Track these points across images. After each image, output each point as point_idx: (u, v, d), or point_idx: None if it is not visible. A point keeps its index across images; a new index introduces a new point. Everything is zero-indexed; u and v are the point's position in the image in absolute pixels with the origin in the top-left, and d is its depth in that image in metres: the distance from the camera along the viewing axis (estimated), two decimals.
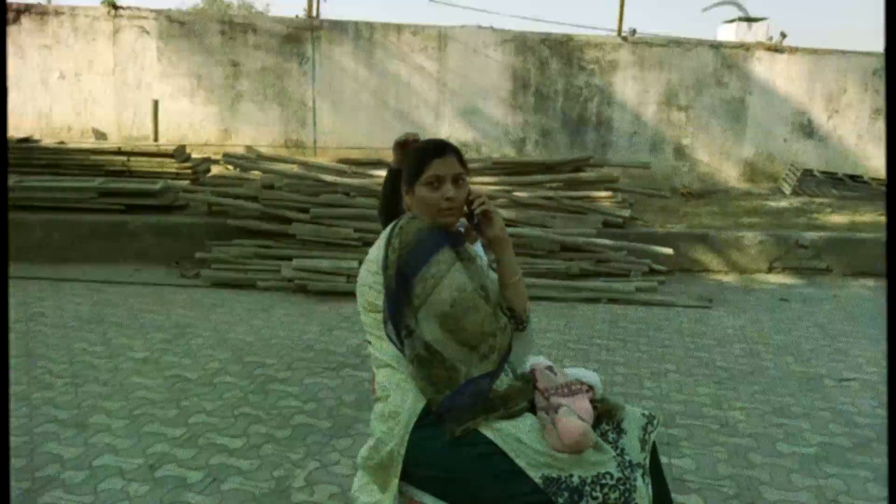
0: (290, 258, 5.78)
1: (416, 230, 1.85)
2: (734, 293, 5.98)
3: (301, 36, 8.49)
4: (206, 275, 5.74)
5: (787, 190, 9.29)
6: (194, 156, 7.58)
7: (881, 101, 9.43)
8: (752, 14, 11.57)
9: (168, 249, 6.20)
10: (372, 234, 5.99)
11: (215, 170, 7.50)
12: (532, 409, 1.82)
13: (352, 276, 5.57)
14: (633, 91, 9.04)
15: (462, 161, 1.97)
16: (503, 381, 1.85)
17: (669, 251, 6.07)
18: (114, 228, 6.32)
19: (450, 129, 8.84)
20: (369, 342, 1.92)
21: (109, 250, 6.23)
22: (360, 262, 5.54)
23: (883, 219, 7.85)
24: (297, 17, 8.63)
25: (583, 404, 1.78)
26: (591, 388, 1.90)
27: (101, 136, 8.85)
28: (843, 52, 9.31)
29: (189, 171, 7.10)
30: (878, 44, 9.67)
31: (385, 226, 2.14)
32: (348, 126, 8.72)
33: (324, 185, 6.43)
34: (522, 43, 8.78)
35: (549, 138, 8.94)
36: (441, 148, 1.95)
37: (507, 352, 1.89)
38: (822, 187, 9.39)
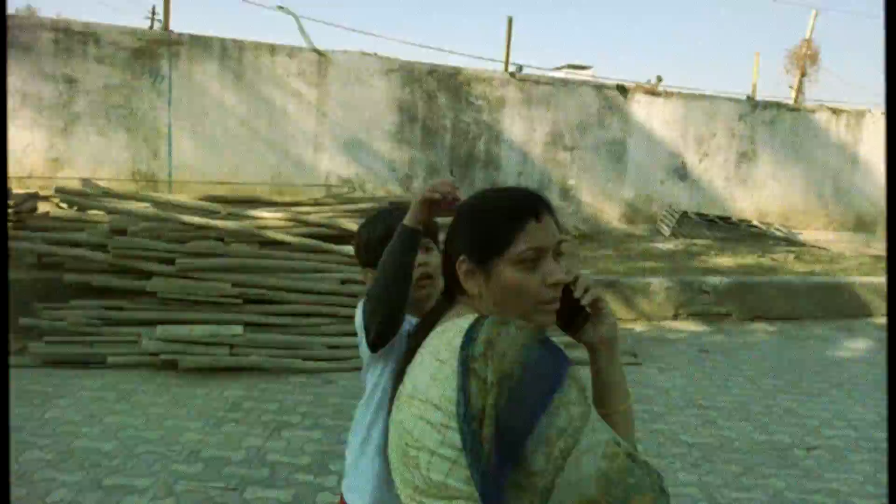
0: (151, 324, 4.61)
1: (522, 347, 1.07)
2: (653, 345, 5.66)
3: (154, 51, 7.25)
4: (36, 350, 4.41)
5: (666, 232, 9.39)
6: (15, 191, 6.08)
7: (746, 146, 9.87)
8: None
9: None
10: (257, 289, 4.97)
11: (44, 208, 6.05)
12: None
13: (236, 347, 4.52)
14: (521, 129, 8.71)
15: (558, 222, 1.26)
16: None
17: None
18: None
19: (330, 164, 7.96)
20: None
21: None
22: (246, 326, 4.51)
23: (765, 261, 8.05)
24: (150, 28, 7.38)
25: None
26: None
27: None
28: (712, 97, 9.65)
29: (9, 210, 5.62)
30: (742, 89, 10.17)
31: (388, 314, 1.45)
32: (212, 157, 7.55)
33: (191, 228, 5.32)
34: (409, 73, 8.15)
35: (437, 176, 8.33)
36: (535, 203, 1.22)
37: None
38: (697, 229, 9.59)
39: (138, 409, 3.81)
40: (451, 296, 1.33)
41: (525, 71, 8.95)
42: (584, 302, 1.26)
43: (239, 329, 4.58)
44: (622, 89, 9.23)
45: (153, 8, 20.20)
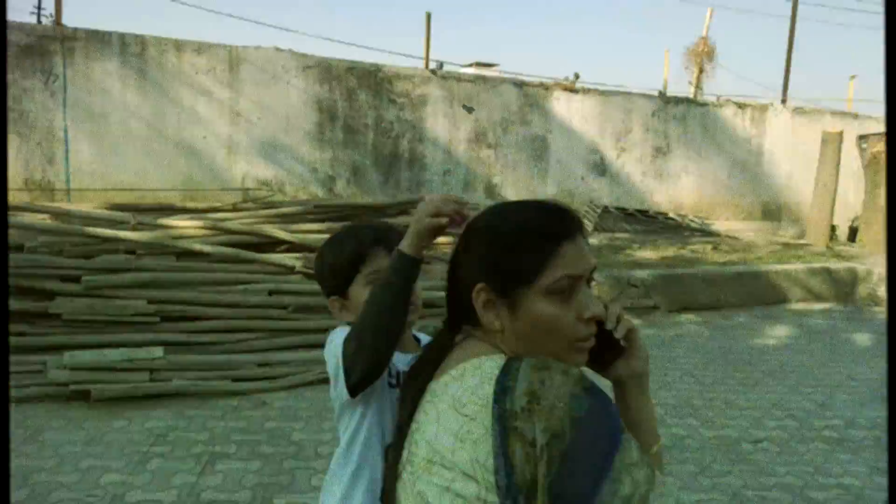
0: (59, 349, 4.14)
1: (570, 397, 0.90)
2: None
3: (46, 47, 6.61)
4: None
5: (589, 227, 9.50)
6: None
7: (661, 141, 10.13)
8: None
9: None
10: (176, 305, 4.58)
11: None
12: None
13: (157, 371, 4.13)
14: (444, 127, 8.56)
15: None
16: None
17: None
18: None
19: (247, 167, 7.54)
20: None
21: None
22: (166, 347, 4.11)
23: (685, 252, 8.27)
24: (39, 23, 6.71)
25: None
26: None
27: None
28: (628, 94, 9.83)
29: None
30: (654, 85, 10.43)
31: (377, 354, 1.24)
32: (114, 162, 6.98)
33: (98, 241, 4.84)
34: (327, 70, 7.82)
35: (361, 176, 8.07)
36: (567, 221, 1.05)
37: None
38: (618, 223, 9.77)
39: (48, 449, 3.39)
40: (455, 327, 1.14)
41: (445, 68, 8.81)
42: (619, 335, 1.10)
43: (159, 351, 4.19)
44: (543, 86, 9.26)
45: (39, 1, 18.69)
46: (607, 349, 1.10)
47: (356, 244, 1.43)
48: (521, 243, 1.01)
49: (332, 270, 1.45)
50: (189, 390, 4.10)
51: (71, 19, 6.34)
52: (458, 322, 1.13)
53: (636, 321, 6.58)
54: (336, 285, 1.45)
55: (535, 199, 1.13)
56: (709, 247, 8.56)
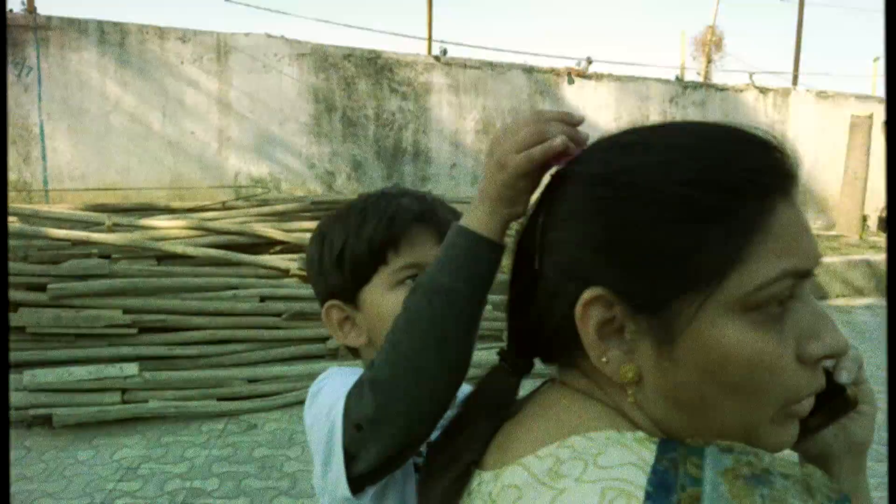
0: (22, 366, 3.64)
1: None
2: None
3: (18, 37, 6.11)
4: None
5: None
6: None
7: None
8: None
9: None
10: (155, 315, 4.06)
11: None
12: None
13: (130, 391, 3.62)
14: (450, 117, 8.04)
15: None
16: None
17: None
18: None
19: (239, 163, 7.02)
20: None
21: None
22: (144, 363, 3.57)
23: None
24: (11, 11, 6.22)
25: None
26: None
27: None
28: (644, 80, 9.30)
29: None
30: (671, 72, 9.89)
31: (410, 433, 0.68)
32: (95, 160, 6.48)
33: (69, 245, 4.33)
34: (323, 58, 7.31)
35: (363, 171, 7.55)
36: (784, 165, 0.54)
37: None
38: None
39: None
40: (526, 364, 0.61)
41: (449, 54, 8.28)
42: (845, 379, 0.60)
43: (132, 368, 3.67)
44: (554, 72, 8.72)
45: None
46: (816, 404, 0.57)
47: (383, 219, 0.87)
48: (688, 207, 0.49)
49: (337, 261, 0.88)
50: (167, 412, 3.59)
51: (44, 6, 5.98)
52: (534, 354, 0.61)
53: None
54: (339, 285, 0.89)
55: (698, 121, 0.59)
56: None
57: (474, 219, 0.63)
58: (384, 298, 0.85)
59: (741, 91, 9.89)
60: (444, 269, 0.63)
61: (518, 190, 0.62)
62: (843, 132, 9.43)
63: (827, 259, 6.92)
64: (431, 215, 0.88)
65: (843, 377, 0.59)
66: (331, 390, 0.76)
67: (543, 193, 0.59)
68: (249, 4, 7.44)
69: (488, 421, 0.58)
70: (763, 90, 9.98)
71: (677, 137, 0.53)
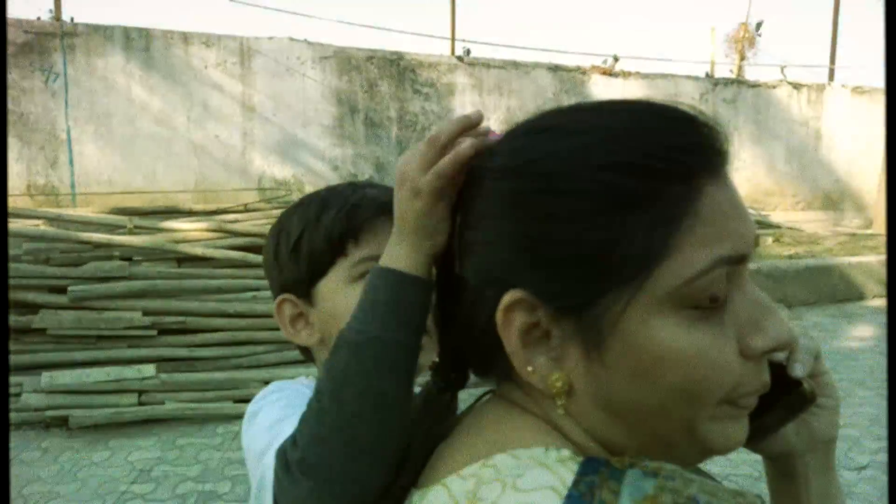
0: (43, 368, 3.66)
1: None
2: None
3: (46, 44, 6.22)
4: None
5: None
6: None
7: None
8: None
9: None
10: (174, 316, 4.07)
11: None
12: None
13: (146, 393, 3.62)
14: None
15: None
16: None
17: None
18: None
19: (263, 165, 7.05)
20: None
21: None
22: (161, 364, 3.56)
23: None
24: (38, 19, 6.33)
25: None
26: None
27: None
28: (673, 76, 9.13)
29: None
30: (701, 69, 9.68)
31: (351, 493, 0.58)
32: (122, 164, 6.56)
33: (90, 248, 4.37)
34: (345, 60, 7.31)
35: (386, 173, 7.52)
36: (712, 142, 0.47)
37: None
38: None
39: (19, 484, 2.89)
40: (457, 380, 0.55)
41: (472, 54, 8.22)
42: (799, 373, 0.55)
43: (150, 369, 3.68)
44: (580, 70, 8.61)
45: None
46: (771, 400, 0.53)
47: (344, 208, 0.82)
48: (606, 196, 0.45)
49: (293, 251, 0.83)
50: (184, 414, 3.58)
51: (71, 13, 6.12)
52: (467, 367, 0.56)
53: None
54: (294, 277, 0.84)
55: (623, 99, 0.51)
56: (769, 239, 7.79)
57: (395, 257, 0.57)
58: (341, 293, 0.79)
59: (774, 87, 9.64)
60: (369, 317, 0.56)
61: (437, 218, 0.55)
62: (880, 129, 9.12)
63: (864, 258, 6.68)
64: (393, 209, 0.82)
65: (798, 370, 0.54)
66: (266, 420, 0.71)
67: (461, 191, 0.53)
68: (269, 7, 7.47)
69: (424, 440, 0.53)
70: (796, 85, 9.72)
71: (593, 119, 0.48)
